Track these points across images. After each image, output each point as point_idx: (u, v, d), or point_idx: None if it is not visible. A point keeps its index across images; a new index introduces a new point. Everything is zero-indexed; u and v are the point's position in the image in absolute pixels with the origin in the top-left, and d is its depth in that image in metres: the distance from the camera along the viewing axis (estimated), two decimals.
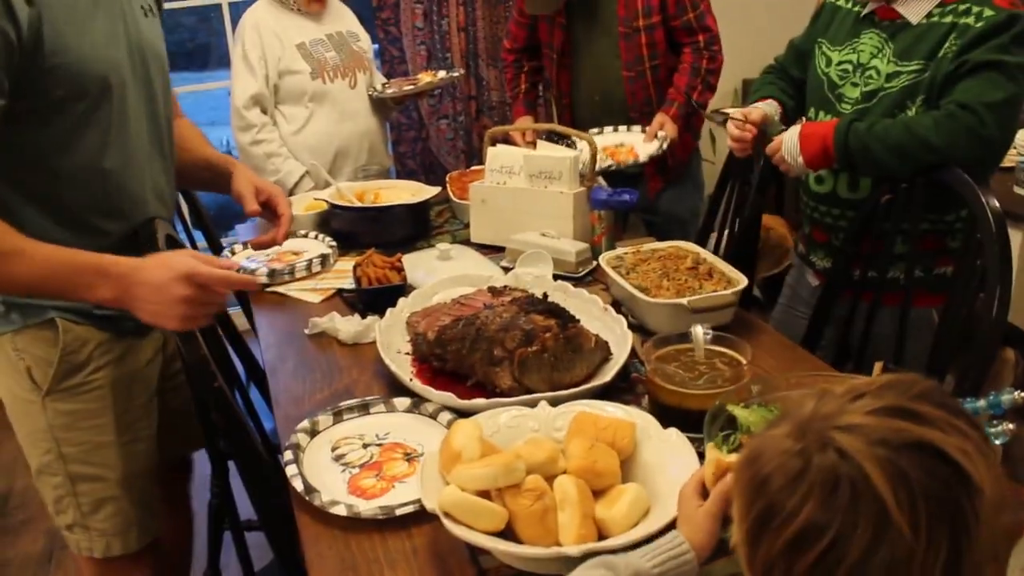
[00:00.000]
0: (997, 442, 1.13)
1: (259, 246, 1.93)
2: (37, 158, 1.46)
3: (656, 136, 2.70)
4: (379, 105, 2.98)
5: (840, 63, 1.96)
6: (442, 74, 3.07)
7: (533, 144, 2.62)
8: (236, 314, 2.48)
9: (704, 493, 1.09)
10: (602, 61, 2.81)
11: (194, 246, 2.54)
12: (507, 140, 2.80)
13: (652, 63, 2.76)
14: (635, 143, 2.71)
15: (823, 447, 0.75)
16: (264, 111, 2.78)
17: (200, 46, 8.10)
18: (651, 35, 2.73)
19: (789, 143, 1.86)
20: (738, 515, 0.82)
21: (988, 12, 1.72)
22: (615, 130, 2.79)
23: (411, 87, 2.94)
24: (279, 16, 2.79)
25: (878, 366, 1.48)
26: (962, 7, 1.76)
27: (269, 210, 1.89)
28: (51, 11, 1.38)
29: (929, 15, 1.81)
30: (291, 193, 2.74)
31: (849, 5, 1.98)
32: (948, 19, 1.78)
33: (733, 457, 1.07)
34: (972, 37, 1.72)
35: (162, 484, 1.96)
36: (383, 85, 3.00)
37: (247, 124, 2.76)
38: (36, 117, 1.43)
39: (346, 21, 2.97)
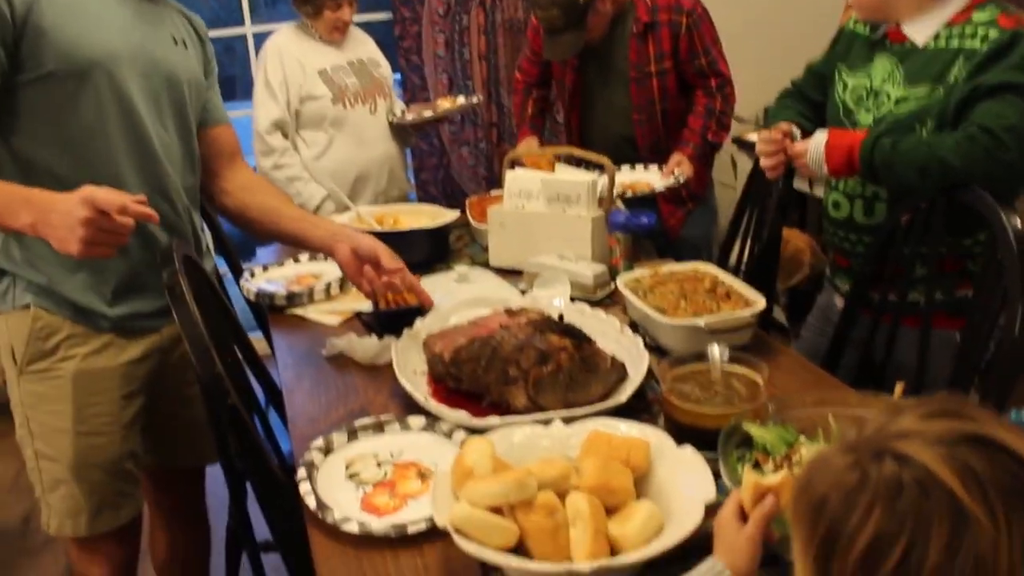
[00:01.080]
0: None
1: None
2: (33, 126, 1.59)
3: (672, 173, 2.72)
4: (399, 131, 3.00)
5: (855, 88, 1.96)
6: (460, 99, 3.10)
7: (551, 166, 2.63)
8: (257, 339, 2.49)
9: (743, 517, 1.05)
10: (613, 103, 2.84)
11: (216, 273, 2.57)
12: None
13: (663, 106, 2.80)
14: (651, 180, 2.73)
15: (878, 457, 0.73)
16: (285, 136, 2.81)
17: (226, 78, 8.23)
18: (663, 80, 2.76)
19: (815, 152, 1.85)
20: (800, 548, 0.78)
21: (993, 33, 1.71)
22: (632, 168, 2.81)
23: (430, 113, 2.96)
24: (301, 43, 2.83)
25: (900, 386, 1.45)
26: (968, 29, 1.76)
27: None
28: None
29: (936, 37, 1.80)
30: None
31: (866, 31, 1.98)
32: (955, 43, 1.77)
33: (773, 478, 1.04)
34: (981, 60, 1.71)
35: (172, 492, 2.10)
36: (402, 111, 3.03)
37: (269, 148, 2.79)
38: (31, 89, 1.57)
39: (367, 48, 3.01)
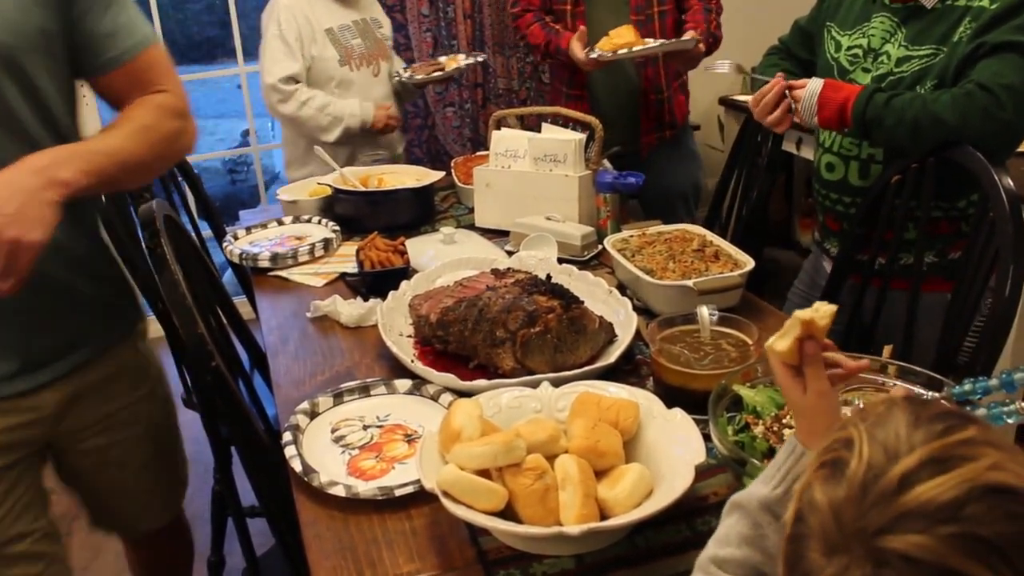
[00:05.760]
0: (1010, 421, 1.10)
1: None
2: None
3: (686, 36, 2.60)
4: (399, 92, 2.95)
5: (850, 48, 1.92)
6: (461, 58, 3.00)
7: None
8: (240, 303, 2.47)
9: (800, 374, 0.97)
10: (612, 5, 2.78)
11: (199, 236, 2.52)
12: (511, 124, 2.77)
13: (660, 8, 2.74)
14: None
15: (879, 564, 0.61)
16: None
17: (206, 38, 8.10)
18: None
19: (808, 100, 1.81)
20: None
21: None
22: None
23: (439, 72, 2.87)
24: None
25: (887, 349, 1.45)
26: None
27: None
28: None
29: None
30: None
31: None
32: (962, 2, 1.74)
33: (826, 319, 0.96)
34: (988, 19, 1.68)
35: (145, 550, 1.95)
36: (405, 70, 2.95)
37: (287, 94, 2.70)
38: None
39: (372, 8, 2.95)
